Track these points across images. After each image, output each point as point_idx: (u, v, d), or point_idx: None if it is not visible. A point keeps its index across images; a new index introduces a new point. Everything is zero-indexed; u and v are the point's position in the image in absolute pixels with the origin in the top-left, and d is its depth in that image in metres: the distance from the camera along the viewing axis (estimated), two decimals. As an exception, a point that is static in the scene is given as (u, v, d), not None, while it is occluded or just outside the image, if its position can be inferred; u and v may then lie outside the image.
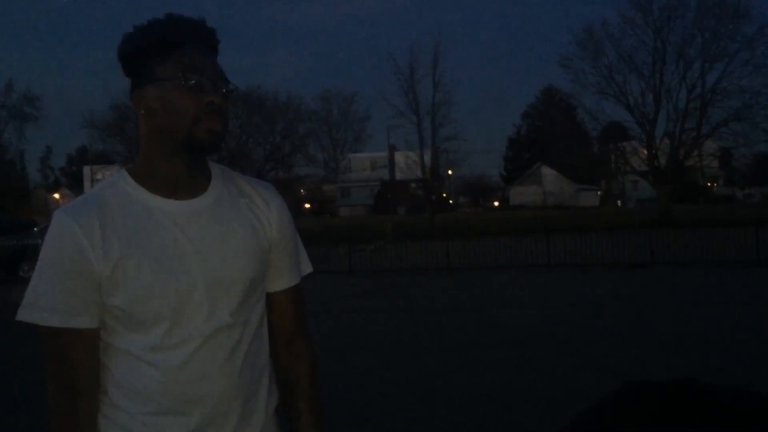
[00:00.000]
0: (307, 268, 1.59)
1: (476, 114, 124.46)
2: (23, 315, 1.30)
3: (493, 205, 70.73)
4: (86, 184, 65.87)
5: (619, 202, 66.05)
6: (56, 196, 65.02)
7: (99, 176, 62.00)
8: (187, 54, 1.33)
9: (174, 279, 1.31)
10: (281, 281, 1.51)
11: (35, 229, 23.98)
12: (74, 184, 75.68)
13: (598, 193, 71.00)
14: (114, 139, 52.67)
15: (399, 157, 55.35)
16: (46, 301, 1.29)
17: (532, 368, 6.34)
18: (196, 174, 1.39)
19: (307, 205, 60.09)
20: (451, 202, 66.05)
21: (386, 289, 13.10)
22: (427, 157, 46.93)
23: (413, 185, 59.22)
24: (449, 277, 15.94)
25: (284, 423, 1.52)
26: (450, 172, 56.52)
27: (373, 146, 72.21)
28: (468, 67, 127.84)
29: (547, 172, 69.98)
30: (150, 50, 1.34)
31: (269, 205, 1.48)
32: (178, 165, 1.36)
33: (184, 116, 1.31)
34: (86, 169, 67.59)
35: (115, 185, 1.37)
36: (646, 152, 42.68)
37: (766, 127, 38.99)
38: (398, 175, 58.81)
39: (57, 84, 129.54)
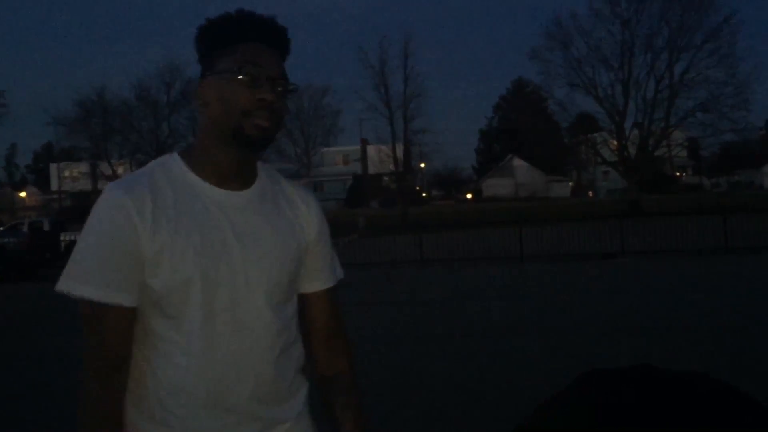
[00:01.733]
0: (341, 272, 1.62)
1: (448, 107, 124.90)
2: (62, 285, 1.29)
3: (466, 198, 71.04)
4: (53, 181, 64.77)
5: (590, 192, 66.76)
6: (22, 194, 63.87)
7: (66, 173, 61.08)
8: (249, 49, 1.35)
9: (213, 268, 1.31)
10: (319, 282, 1.54)
11: (0, 228, 23.53)
12: (41, 181, 74.37)
13: (569, 184, 71.71)
14: (80, 136, 51.85)
15: (371, 150, 55.33)
16: (84, 274, 1.28)
17: (506, 358, 6.35)
18: (245, 168, 1.41)
19: (280, 200, 59.49)
20: (423, 195, 66.24)
21: (359, 282, 13.05)
22: (400, 151, 46.95)
23: (386, 179, 59.33)
24: (422, 269, 15.94)
25: (320, 420, 1.53)
26: (422, 165, 56.70)
27: (345, 140, 71.94)
28: (439, 60, 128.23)
29: (519, 164, 70.48)
30: (216, 43, 1.38)
31: (309, 207, 1.51)
32: (231, 156, 1.37)
33: (235, 108, 1.32)
34: (53, 167, 66.48)
35: (166, 166, 1.38)
36: (615, 143, 43.20)
37: (732, 116, 39.68)
38: (371, 169, 58.83)
39: (21, 80, 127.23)
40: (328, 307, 1.56)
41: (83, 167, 57.98)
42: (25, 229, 22.97)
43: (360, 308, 10.14)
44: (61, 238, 21.29)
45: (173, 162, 1.39)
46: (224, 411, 1.35)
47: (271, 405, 1.40)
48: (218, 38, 1.38)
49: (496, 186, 69.99)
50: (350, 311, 9.68)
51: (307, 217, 1.49)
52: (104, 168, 50.52)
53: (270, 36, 1.39)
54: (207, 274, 1.30)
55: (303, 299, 1.52)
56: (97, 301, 1.27)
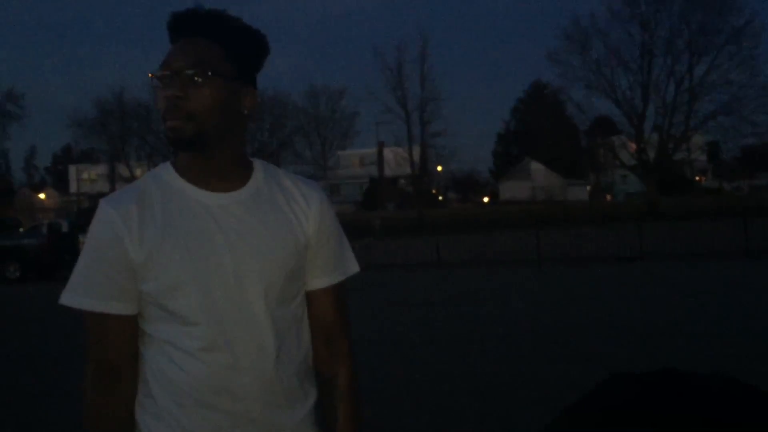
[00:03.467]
0: (353, 267, 1.57)
1: (465, 109, 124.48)
2: (64, 299, 1.34)
3: (483, 201, 70.80)
4: (71, 183, 65.38)
5: (608, 196, 66.29)
6: (41, 196, 64.50)
7: (84, 175, 61.62)
8: (169, 51, 1.34)
9: (204, 270, 1.32)
10: (322, 279, 1.49)
11: (20, 229, 23.75)
12: (59, 183, 75.09)
13: (587, 187, 71.21)
14: (98, 138, 52.32)
15: (388, 153, 55.29)
16: (84, 286, 1.33)
17: (522, 361, 6.29)
18: (227, 168, 1.39)
19: (296, 203, 59.54)
20: (440, 197, 66.09)
21: (375, 285, 13.03)
22: (416, 153, 46.92)
23: (402, 181, 59.25)
24: (439, 272, 15.87)
25: (323, 421, 1.50)
26: (439, 167, 56.54)
27: (361, 142, 72.05)
28: (456, 63, 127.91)
29: (536, 167, 70.12)
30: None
31: (309, 202, 1.46)
32: (199, 159, 1.37)
33: (161, 115, 1.32)
34: (71, 168, 67.10)
35: (157, 176, 1.40)
36: (634, 146, 42.85)
37: (753, 120, 39.23)
38: (387, 172, 58.76)
39: (41, 82, 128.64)
40: (331, 305, 1.51)
41: (101, 169, 58.52)
42: (44, 230, 23.15)
43: (375, 311, 10.10)
44: (80, 239, 21.46)
45: (164, 170, 1.40)
46: (219, 412, 1.34)
47: (269, 409, 1.37)
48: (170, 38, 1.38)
49: (513, 189, 69.67)
50: (365, 314, 9.66)
51: (306, 212, 1.45)
52: (122, 170, 50.97)
53: (190, 28, 1.34)
54: (196, 277, 1.31)
55: (307, 296, 1.49)
56: (96, 312, 1.32)
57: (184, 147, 1.34)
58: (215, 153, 1.36)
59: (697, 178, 66.95)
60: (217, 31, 1.34)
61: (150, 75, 1.33)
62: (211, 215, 1.35)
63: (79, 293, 1.33)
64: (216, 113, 1.32)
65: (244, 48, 1.37)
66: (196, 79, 1.30)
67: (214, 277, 1.32)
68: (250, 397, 1.35)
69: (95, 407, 1.35)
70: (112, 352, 1.34)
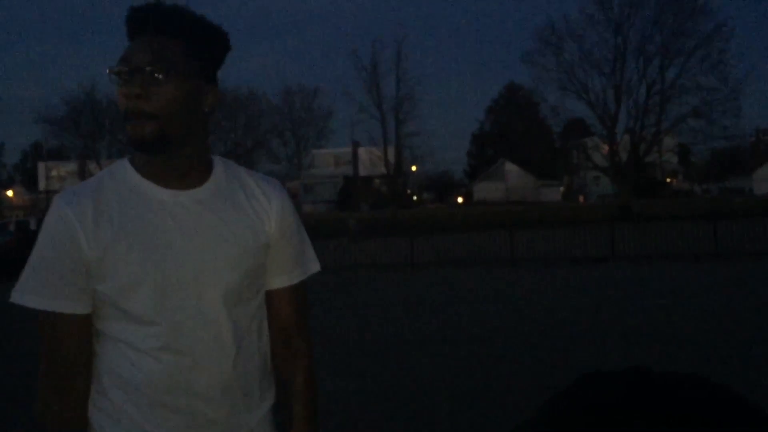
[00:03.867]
0: (314, 266, 1.55)
1: (440, 110, 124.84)
2: (14, 297, 1.31)
3: (457, 201, 71.04)
4: (41, 180, 64.31)
5: (580, 197, 66.89)
6: (9, 193, 63.39)
7: (54, 173, 60.64)
8: (128, 48, 1.29)
9: (161, 269, 1.29)
10: (281, 278, 1.48)
11: (-13, 226, 23.31)
12: (28, 180, 73.84)
13: (560, 188, 71.83)
14: (69, 135, 51.55)
15: (362, 153, 55.31)
16: (35, 285, 1.29)
17: (496, 363, 6.28)
18: (185, 166, 1.35)
19: (270, 202, 59.23)
20: (414, 198, 66.18)
21: (349, 286, 12.97)
22: (391, 153, 46.97)
23: (377, 181, 59.23)
24: (413, 273, 15.85)
25: (282, 422, 1.49)
26: (413, 168, 56.65)
27: (336, 142, 71.77)
28: (431, 63, 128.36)
29: (510, 168, 70.57)
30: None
31: (270, 200, 1.44)
32: (158, 158, 1.33)
33: (122, 114, 1.28)
34: (41, 166, 65.92)
35: (114, 172, 1.37)
36: (607, 148, 43.31)
37: (723, 123, 39.85)
38: (362, 171, 58.75)
39: (10, 78, 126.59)
40: (291, 305, 1.49)
41: (71, 166, 57.67)
42: (11, 228, 22.74)
43: (348, 312, 10.04)
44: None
45: (122, 167, 1.37)
46: (176, 412, 1.32)
47: (227, 409, 1.36)
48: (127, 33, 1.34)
49: (488, 190, 70.02)
50: (339, 314, 9.60)
51: (267, 210, 1.43)
52: (93, 167, 50.25)
53: (150, 24, 1.29)
54: (153, 276, 1.28)
55: (267, 296, 1.47)
56: (46, 310, 1.29)
57: (146, 149, 1.29)
58: (176, 151, 1.33)
59: (668, 180, 67.83)
60: (177, 27, 1.30)
61: (108, 70, 1.28)
62: (169, 213, 1.32)
63: (31, 291, 1.30)
64: (178, 112, 1.29)
65: (205, 45, 1.34)
66: (156, 76, 1.26)
67: (172, 276, 1.30)
68: (208, 397, 1.33)
69: (48, 406, 1.32)
70: (64, 351, 1.31)
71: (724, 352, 6.25)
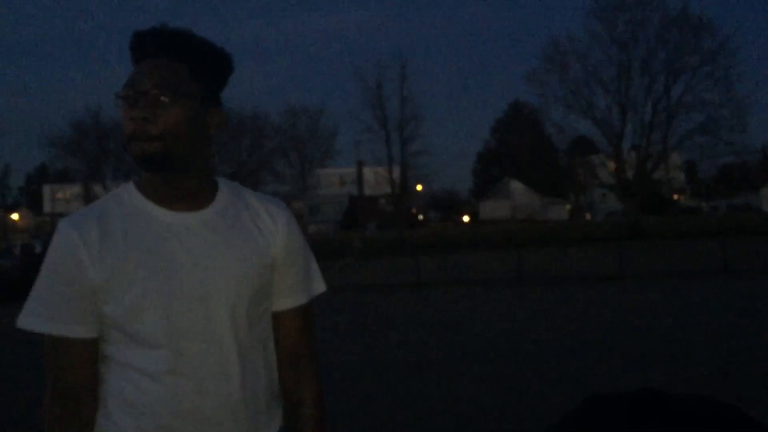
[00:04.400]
0: (320, 287, 1.54)
1: (445, 129, 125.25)
2: (21, 322, 1.32)
3: (463, 220, 70.94)
4: (46, 203, 64.53)
5: (587, 215, 66.68)
6: (15, 216, 63.57)
7: (59, 195, 60.87)
8: (134, 70, 1.32)
9: (167, 292, 1.29)
10: (287, 300, 1.47)
11: (-7, 250, 23.32)
12: (34, 203, 74.11)
13: (567, 206, 71.67)
14: (74, 158, 51.80)
15: (368, 172, 55.37)
16: (41, 309, 1.30)
17: (502, 383, 6.17)
18: (190, 188, 1.36)
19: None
20: (420, 217, 66.10)
21: (355, 306, 12.85)
22: (396, 172, 46.97)
23: (382, 201, 59.21)
24: (419, 292, 15.73)
25: None
26: (419, 187, 56.60)
27: (341, 162, 71.98)
28: (436, 82, 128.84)
29: (516, 186, 70.53)
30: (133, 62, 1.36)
31: (275, 222, 1.45)
32: (162, 179, 1.34)
33: (125, 134, 1.30)
34: (46, 188, 66.22)
35: (119, 196, 1.38)
36: (613, 165, 43.19)
37: (729, 139, 39.72)
38: (367, 191, 58.80)
39: (16, 100, 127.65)
40: (297, 327, 1.48)
41: (77, 189, 57.91)
42: (17, 251, 22.72)
43: (354, 332, 9.93)
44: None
45: (126, 190, 1.39)
46: None
47: (234, 430, 1.35)
48: (132, 57, 1.36)
49: (494, 208, 69.95)
50: (344, 335, 9.48)
51: (273, 232, 1.43)
52: (98, 190, 50.41)
53: (155, 48, 1.32)
54: (159, 299, 1.28)
55: (273, 318, 1.47)
56: (54, 335, 1.30)
57: (153, 167, 1.31)
58: (180, 172, 1.35)
59: (676, 197, 67.62)
60: (182, 51, 1.33)
61: (115, 95, 1.30)
62: (175, 235, 1.33)
63: (36, 315, 1.31)
64: (184, 134, 1.30)
65: (209, 67, 1.36)
66: (162, 99, 1.28)
67: (178, 298, 1.30)
68: (214, 420, 1.33)
69: (55, 430, 1.32)
70: (70, 375, 1.31)
71: (735, 370, 6.12)
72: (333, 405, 5.53)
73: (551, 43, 45.11)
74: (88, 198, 51.71)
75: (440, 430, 4.93)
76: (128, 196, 1.37)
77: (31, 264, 20.14)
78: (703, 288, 13.50)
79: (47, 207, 63.37)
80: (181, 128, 1.29)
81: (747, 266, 15.82)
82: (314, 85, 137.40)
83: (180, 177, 1.35)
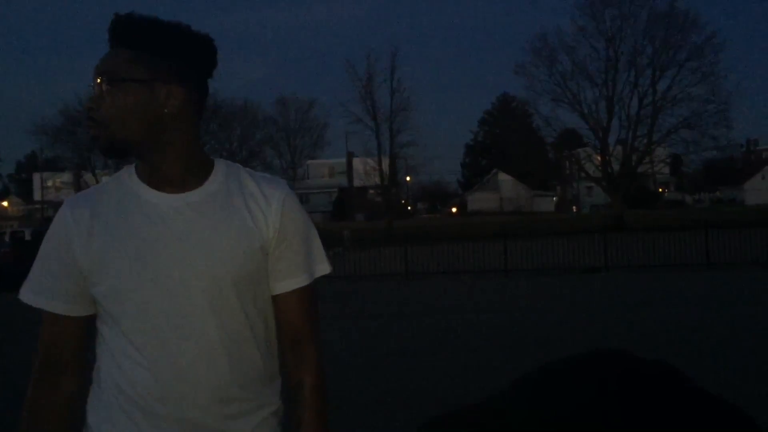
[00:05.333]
0: (323, 269, 1.48)
1: (434, 121, 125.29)
2: (22, 294, 1.39)
3: (451, 211, 71.17)
4: (36, 191, 64.19)
5: (574, 207, 67.11)
6: (5, 204, 63.22)
7: (49, 183, 60.57)
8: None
9: (151, 273, 1.29)
10: (286, 282, 1.42)
11: (-17, 238, 23.31)
12: (24, 191, 73.65)
13: (554, 199, 72.09)
14: (65, 146, 51.49)
15: (357, 163, 55.38)
16: (35, 283, 1.38)
17: (490, 372, 6.35)
18: (179, 169, 1.36)
19: (265, 212, 59.21)
20: (409, 208, 66.29)
21: (344, 296, 13.05)
22: (385, 164, 47.04)
23: (372, 191, 59.30)
24: (407, 282, 15.95)
25: (287, 427, 1.45)
26: (408, 178, 56.77)
27: (331, 153, 72.01)
28: (425, 74, 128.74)
29: (504, 179, 70.79)
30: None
31: (269, 201, 1.40)
32: (145, 163, 1.37)
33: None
34: (36, 177, 65.84)
35: (118, 178, 1.40)
36: (599, 159, 43.53)
37: (714, 134, 40.15)
38: (356, 182, 58.83)
39: (5, 88, 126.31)
40: (297, 309, 1.43)
41: (67, 177, 57.63)
42: (7, 239, 22.73)
43: (344, 321, 10.11)
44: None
45: (127, 173, 1.40)
46: (166, 420, 1.31)
47: (221, 418, 1.33)
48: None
49: (481, 200, 70.21)
50: (334, 324, 9.68)
51: (266, 213, 1.39)
52: (89, 178, 50.22)
53: (117, 37, 1.34)
54: (140, 283, 1.29)
55: (273, 300, 1.43)
56: (36, 306, 1.37)
57: (106, 154, 1.35)
58: (154, 156, 1.35)
59: (661, 190, 68.11)
60: (125, 36, 1.33)
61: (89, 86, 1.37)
62: (162, 217, 1.33)
63: (30, 290, 1.38)
64: (128, 118, 1.30)
65: (157, 46, 1.32)
66: (103, 88, 1.31)
67: (159, 283, 1.29)
68: (200, 406, 1.31)
69: (35, 399, 1.37)
70: (56, 349, 1.37)
71: (717, 361, 6.36)
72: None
73: (539, 37, 45.31)
74: (78, 186, 51.48)
75: (425, 418, 5.11)
76: (127, 178, 1.39)
77: (20, 251, 20.18)
78: (686, 280, 13.80)
79: (37, 195, 63.01)
80: (121, 113, 1.30)
81: (730, 259, 16.16)
82: (305, 76, 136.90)
83: (156, 159, 1.35)
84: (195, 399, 1.30)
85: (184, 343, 1.30)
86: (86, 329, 1.39)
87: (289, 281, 1.42)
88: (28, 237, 24.61)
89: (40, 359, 1.38)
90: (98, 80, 1.31)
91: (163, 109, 1.32)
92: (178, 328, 1.30)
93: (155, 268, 1.30)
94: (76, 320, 1.37)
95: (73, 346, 1.38)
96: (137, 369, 1.30)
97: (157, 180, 1.36)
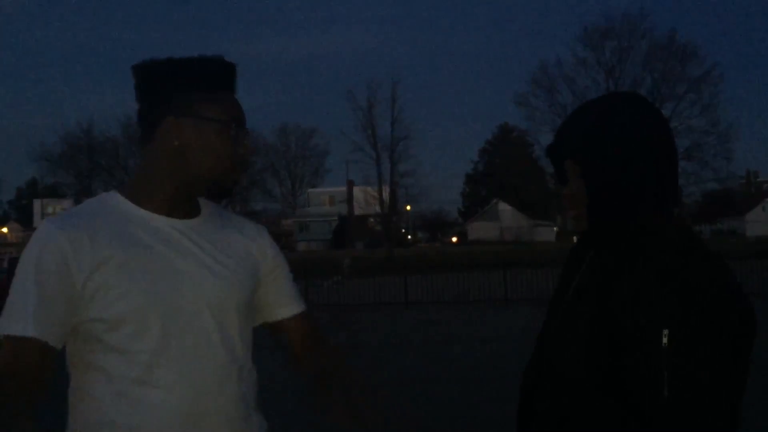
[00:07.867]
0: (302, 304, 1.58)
1: (434, 150, 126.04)
2: (19, 329, 1.22)
3: (451, 241, 71.10)
4: (36, 218, 64.28)
5: (574, 238, 66.96)
6: (4, 230, 63.25)
7: (50, 209, 60.65)
8: (228, 100, 1.36)
9: (161, 297, 1.28)
10: (290, 307, 1.50)
11: (-18, 263, 23.26)
12: (24, 217, 73.76)
13: (554, 228, 72.03)
14: (65, 172, 51.69)
15: (357, 192, 55.47)
16: (32, 314, 1.22)
17: (489, 403, 6.28)
18: (191, 200, 1.40)
19: (265, 240, 59.28)
20: (409, 237, 66.27)
21: (343, 325, 12.96)
22: (386, 192, 47.15)
23: (371, 220, 59.34)
24: (407, 312, 15.85)
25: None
26: (408, 207, 56.84)
27: (331, 181, 72.28)
28: (426, 104, 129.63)
29: (504, 208, 70.80)
30: (194, 84, 1.34)
31: (260, 234, 1.49)
32: (182, 193, 1.36)
33: (222, 162, 1.33)
34: (36, 203, 66.02)
35: (104, 202, 1.36)
36: (600, 189, 43.57)
37: (713, 165, 40.27)
38: (357, 210, 58.86)
39: (7, 115, 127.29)
40: (307, 327, 1.53)
41: (67, 204, 57.72)
42: (5, 265, 22.68)
43: (343, 350, 10.03)
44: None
45: (113, 198, 1.36)
46: None
47: None
48: (199, 81, 1.35)
49: (482, 229, 70.12)
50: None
51: (260, 242, 1.48)
52: (89, 205, 50.25)
53: (233, 81, 1.40)
54: (153, 305, 1.27)
55: (279, 327, 1.50)
56: (18, 335, 1.22)
57: (226, 196, 1.43)
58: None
59: (661, 221, 67.89)
60: (235, 82, 1.44)
61: (231, 119, 1.37)
62: (170, 241, 1.32)
63: (36, 321, 1.22)
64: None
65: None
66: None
67: (171, 305, 1.28)
68: (210, 426, 1.30)
69: None
70: (18, 375, 1.21)
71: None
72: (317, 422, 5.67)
73: (540, 68, 45.71)
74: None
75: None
76: (117, 202, 1.35)
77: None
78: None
79: (37, 221, 63.07)
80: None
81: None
82: (307, 104, 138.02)
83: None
84: (205, 419, 1.29)
85: (199, 367, 1.29)
86: (52, 360, 1.25)
87: (293, 306, 1.50)
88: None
89: (11, 388, 1.21)
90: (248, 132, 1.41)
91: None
92: (192, 351, 1.29)
93: (169, 291, 1.28)
94: (53, 350, 1.24)
95: (45, 377, 1.24)
96: (144, 392, 1.26)
97: (167, 208, 1.35)
